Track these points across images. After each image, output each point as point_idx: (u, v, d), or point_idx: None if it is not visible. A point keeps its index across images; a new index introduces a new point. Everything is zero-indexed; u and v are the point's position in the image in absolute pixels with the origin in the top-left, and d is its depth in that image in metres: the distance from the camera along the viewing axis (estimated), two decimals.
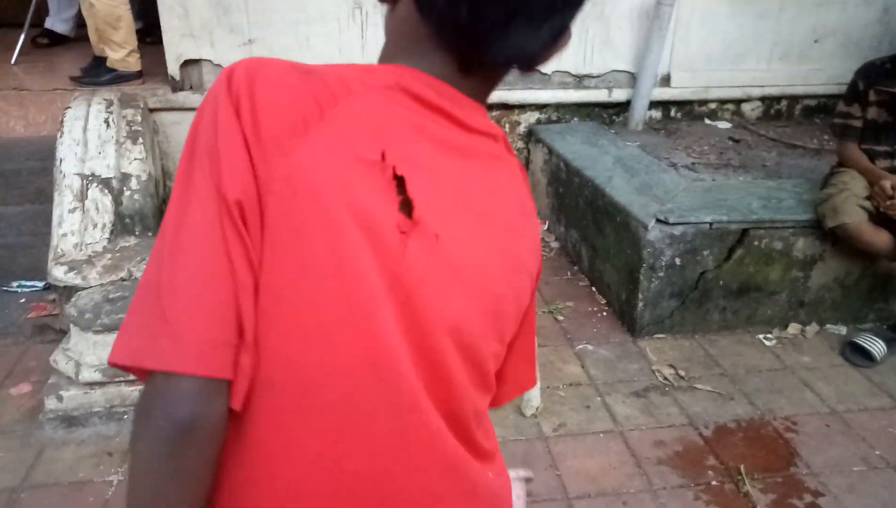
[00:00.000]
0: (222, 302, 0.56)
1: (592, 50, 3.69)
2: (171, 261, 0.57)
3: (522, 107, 3.76)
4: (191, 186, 0.58)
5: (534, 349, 0.86)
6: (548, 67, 3.67)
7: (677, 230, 2.59)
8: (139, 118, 2.91)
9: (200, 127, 0.60)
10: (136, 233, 2.65)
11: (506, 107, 3.73)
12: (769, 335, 2.77)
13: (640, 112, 3.72)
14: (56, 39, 4.36)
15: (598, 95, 3.78)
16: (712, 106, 3.94)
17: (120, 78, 3.42)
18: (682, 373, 2.51)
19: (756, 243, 2.66)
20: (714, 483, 2.04)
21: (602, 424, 2.26)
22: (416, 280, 0.61)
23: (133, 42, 3.42)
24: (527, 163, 3.86)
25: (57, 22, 4.32)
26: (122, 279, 2.35)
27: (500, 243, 0.69)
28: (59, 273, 2.36)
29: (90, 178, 2.62)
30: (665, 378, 2.48)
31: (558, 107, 3.79)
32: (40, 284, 2.87)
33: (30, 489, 1.95)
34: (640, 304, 2.68)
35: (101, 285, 2.32)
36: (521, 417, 2.25)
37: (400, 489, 0.64)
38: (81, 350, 2.18)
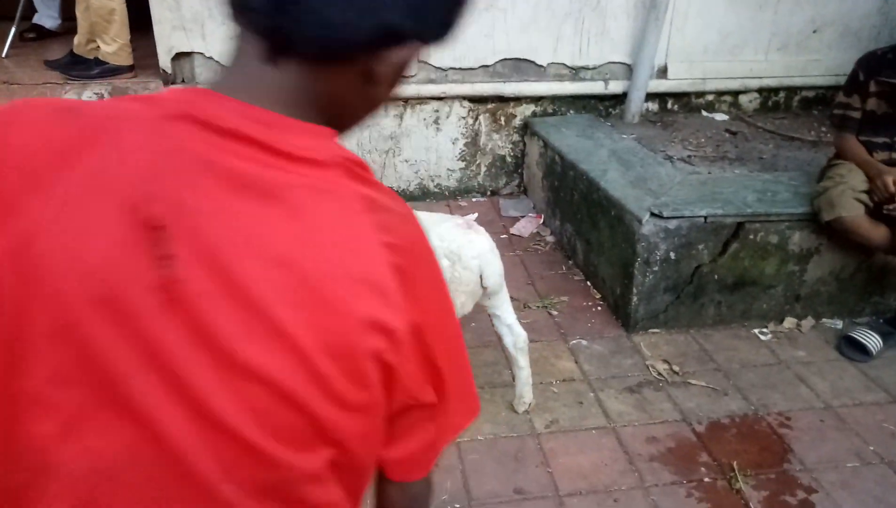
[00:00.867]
0: None
1: (588, 41, 3.65)
2: None
3: (518, 99, 3.72)
4: None
5: (467, 385, 0.76)
6: (543, 59, 3.64)
7: (672, 224, 2.57)
8: None
9: None
10: None
11: (501, 99, 3.70)
12: (764, 330, 2.75)
13: (636, 104, 3.68)
14: (43, 34, 4.35)
15: (594, 88, 3.74)
16: (709, 98, 3.91)
17: (111, 71, 3.40)
18: (677, 368, 2.49)
19: (751, 236, 2.63)
20: (706, 479, 2.02)
21: (595, 420, 2.24)
22: (176, 346, 0.53)
23: (126, 36, 3.40)
24: (522, 156, 3.84)
25: (45, 17, 4.31)
26: None
27: (304, 299, 0.56)
28: None
29: None
30: (659, 374, 2.46)
31: (554, 99, 3.76)
32: None
33: None
34: (635, 298, 2.66)
35: None
36: (512, 413, 2.24)
37: None
38: None
